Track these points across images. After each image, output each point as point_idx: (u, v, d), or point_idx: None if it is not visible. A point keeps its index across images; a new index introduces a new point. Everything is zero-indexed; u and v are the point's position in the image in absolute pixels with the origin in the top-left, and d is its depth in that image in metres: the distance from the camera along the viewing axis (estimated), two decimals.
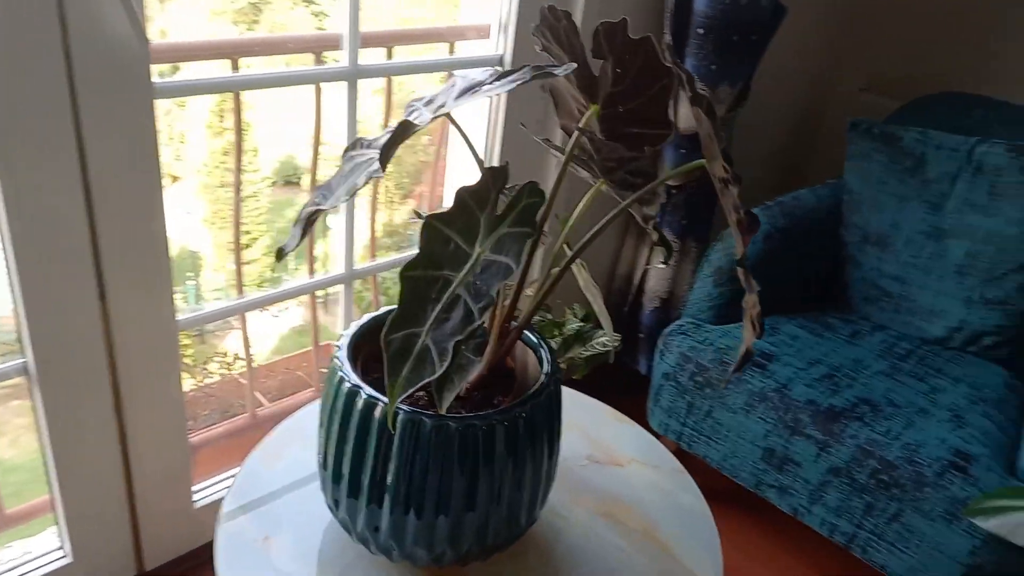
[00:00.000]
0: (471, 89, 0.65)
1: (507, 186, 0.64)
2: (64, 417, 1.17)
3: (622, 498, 0.85)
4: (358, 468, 0.67)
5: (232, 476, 1.49)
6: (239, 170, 1.48)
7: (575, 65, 0.61)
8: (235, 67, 1.31)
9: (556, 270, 0.73)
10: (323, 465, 0.71)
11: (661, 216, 1.90)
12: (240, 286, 1.48)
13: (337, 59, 1.36)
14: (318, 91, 1.48)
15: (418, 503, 0.66)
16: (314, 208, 0.65)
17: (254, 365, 1.81)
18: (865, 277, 1.77)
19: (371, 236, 1.72)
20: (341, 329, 1.56)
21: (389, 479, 0.66)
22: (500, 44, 1.59)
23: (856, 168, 1.77)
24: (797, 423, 1.45)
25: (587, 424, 0.95)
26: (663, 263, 1.63)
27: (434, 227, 0.61)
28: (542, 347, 0.75)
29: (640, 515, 0.83)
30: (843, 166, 1.81)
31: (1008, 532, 1.11)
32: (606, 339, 1.78)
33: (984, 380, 1.55)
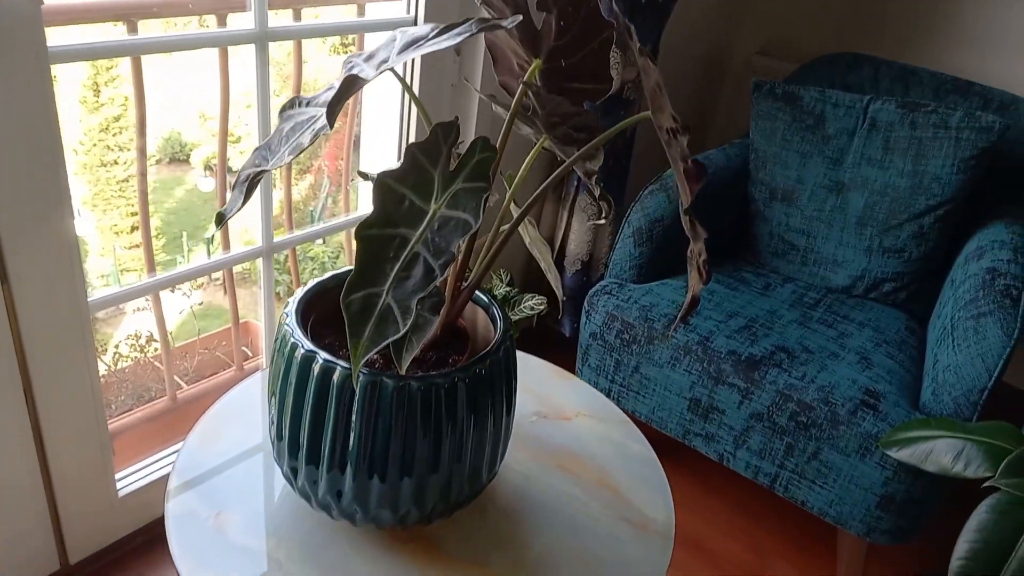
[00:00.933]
0: (414, 43, 0.64)
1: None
2: None
3: (573, 450, 0.87)
4: (317, 435, 0.66)
5: (155, 461, 1.43)
6: (144, 143, 1.39)
7: (520, 17, 0.61)
8: (132, 30, 1.23)
9: (505, 227, 0.72)
10: (278, 435, 0.69)
11: (578, 180, 1.93)
12: (151, 263, 1.41)
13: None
14: (224, 55, 1.41)
15: (382, 467, 0.66)
16: (256, 170, 0.62)
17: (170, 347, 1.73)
18: (773, 232, 1.85)
19: (288, 210, 1.66)
20: (260, 308, 1.51)
21: (351, 444, 0.65)
22: (411, 6, 1.56)
23: (761, 127, 1.84)
24: (720, 373, 1.52)
25: (532, 382, 0.96)
26: (603, 219, 1.66)
27: (387, 185, 0.59)
28: (493, 306, 0.75)
29: (592, 465, 0.85)
30: (743, 126, 1.88)
31: (919, 460, 1.20)
32: (533, 303, 1.80)
33: (886, 324, 1.65)
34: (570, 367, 1.81)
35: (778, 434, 1.47)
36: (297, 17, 1.44)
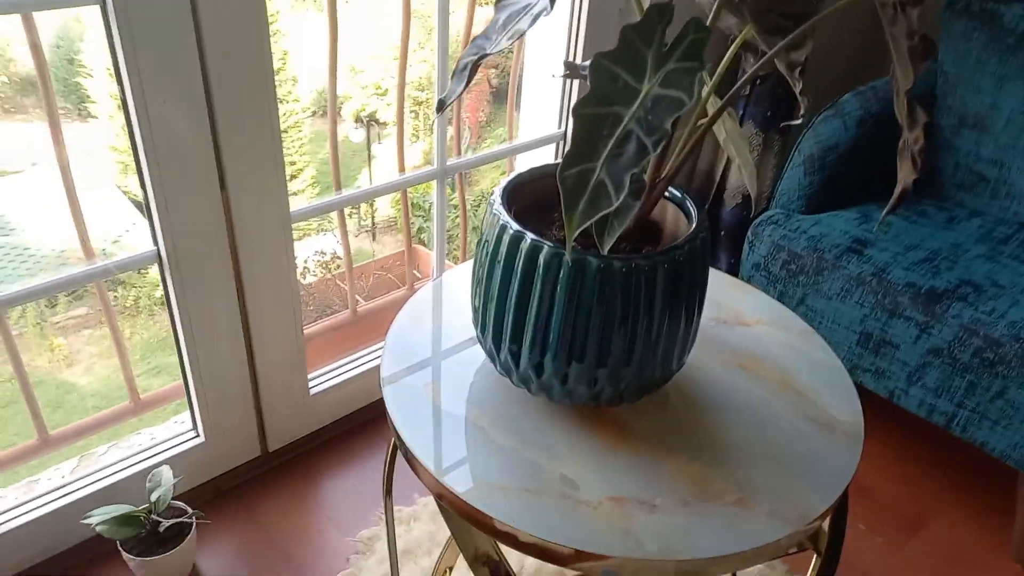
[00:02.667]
0: None
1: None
2: (194, 305, 1.23)
3: (755, 353, 0.87)
4: (521, 314, 0.70)
5: (341, 366, 1.56)
6: (335, 85, 1.48)
7: None
8: None
9: (704, 121, 0.73)
10: (483, 314, 0.74)
11: (744, 107, 1.87)
12: (337, 183, 1.51)
13: None
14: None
15: (581, 347, 0.69)
16: (476, 56, 0.66)
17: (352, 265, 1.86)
18: (960, 162, 1.72)
19: (457, 135, 1.72)
20: (433, 231, 1.59)
21: (553, 322, 0.69)
22: None
23: (952, 49, 1.70)
24: (896, 306, 1.45)
25: (709, 289, 0.96)
26: (801, 117, 1.61)
27: (601, 65, 0.61)
28: (686, 200, 0.76)
29: (774, 367, 0.86)
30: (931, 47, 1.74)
31: None
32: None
33: None
34: None
35: (959, 371, 1.40)
36: None
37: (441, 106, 0.68)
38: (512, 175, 0.79)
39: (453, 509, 0.72)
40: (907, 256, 1.51)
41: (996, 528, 1.52)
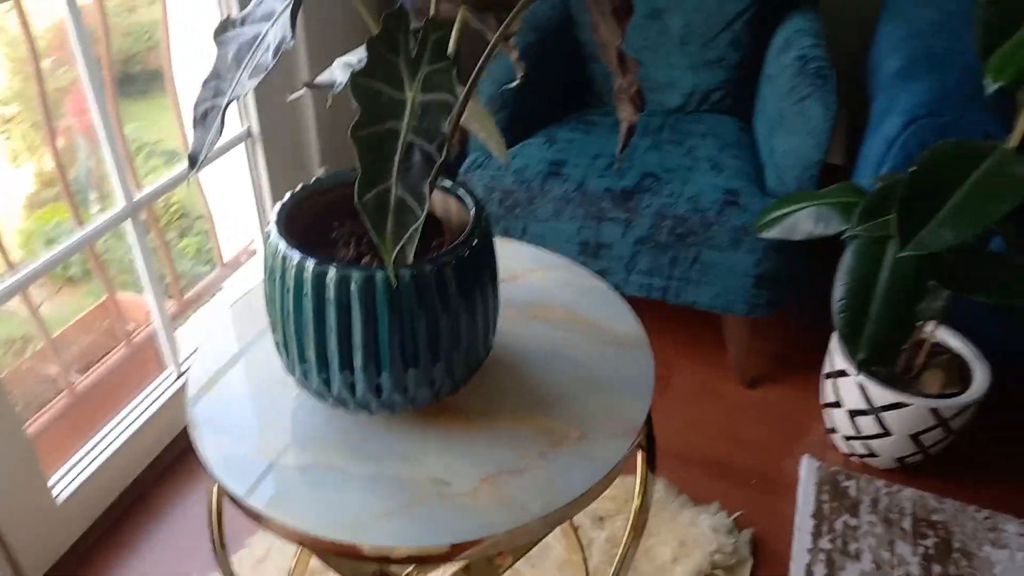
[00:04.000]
0: None
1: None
2: None
3: (539, 301, 0.95)
4: (346, 342, 0.69)
5: (81, 459, 1.38)
6: None
7: None
8: None
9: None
10: (299, 352, 0.72)
11: None
12: (7, 260, 1.28)
13: None
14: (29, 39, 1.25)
15: (414, 354, 0.70)
16: (216, 100, 0.61)
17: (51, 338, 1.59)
18: (606, 71, 1.96)
19: (62, 179, 1.54)
20: (140, 274, 1.43)
21: (382, 340, 0.69)
22: None
23: None
24: (601, 211, 1.64)
25: None
26: (518, 81, 1.68)
27: (359, 84, 0.61)
28: (460, 188, 0.80)
29: (560, 308, 0.94)
30: None
31: (788, 233, 1.40)
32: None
33: (722, 130, 1.84)
34: None
35: (662, 250, 1.64)
36: None
37: (194, 162, 0.62)
38: (282, 202, 0.75)
39: (333, 553, 0.71)
40: (595, 165, 1.70)
41: (720, 364, 1.84)
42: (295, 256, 0.68)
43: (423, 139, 0.61)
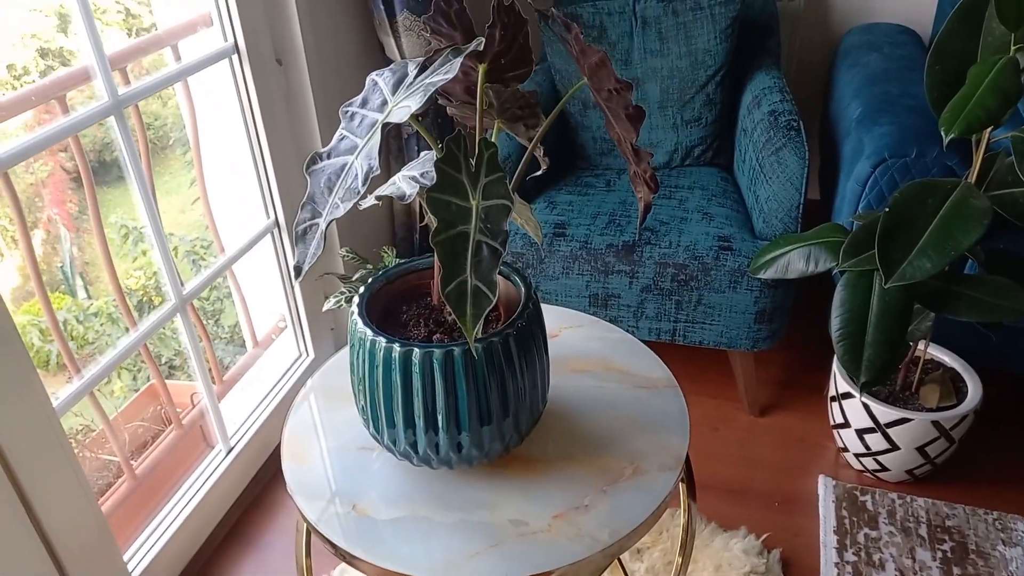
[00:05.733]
0: (400, 84, 0.78)
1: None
2: None
3: (574, 354, 1.08)
4: (431, 408, 0.81)
5: (152, 534, 1.47)
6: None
7: (483, 39, 0.77)
8: None
9: None
10: (372, 416, 0.84)
11: (417, 142, 2.08)
12: (73, 364, 1.40)
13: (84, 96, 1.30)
14: (77, 143, 1.39)
15: (487, 412, 0.83)
16: (309, 223, 0.75)
17: (93, 434, 1.70)
18: (595, 136, 2.12)
19: (35, 272, 1.66)
20: (191, 362, 1.54)
21: (462, 405, 0.81)
22: (228, 31, 1.60)
23: (556, 51, 2.08)
24: (607, 265, 1.78)
25: None
26: (543, 170, 1.83)
27: (433, 198, 0.74)
28: (508, 269, 0.93)
29: (594, 359, 1.07)
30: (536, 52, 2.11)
31: (782, 273, 1.54)
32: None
33: (707, 181, 2.00)
34: None
35: (666, 296, 1.78)
36: (124, 80, 1.44)
37: (299, 272, 0.75)
38: (360, 294, 0.89)
39: None
40: (596, 224, 1.85)
41: (730, 396, 1.97)
42: (382, 340, 0.81)
43: (488, 237, 0.75)
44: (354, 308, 0.86)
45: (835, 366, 1.72)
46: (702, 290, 1.75)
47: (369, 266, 1.98)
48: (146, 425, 1.72)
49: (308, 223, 0.76)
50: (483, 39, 0.77)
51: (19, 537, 1.14)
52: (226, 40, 1.60)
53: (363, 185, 0.73)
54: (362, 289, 0.88)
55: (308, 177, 0.78)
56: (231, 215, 1.85)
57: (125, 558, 1.40)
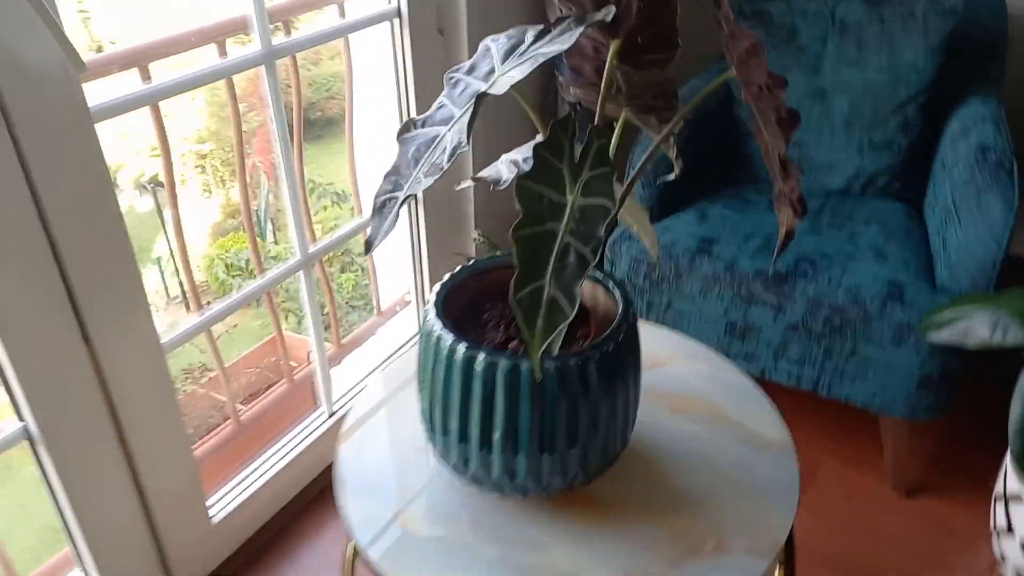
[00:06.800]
0: (513, 52, 0.67)
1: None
2: (75, 469, 1.12)
3: (680, 391, 0.94)
4: (488, 423, 0.71)
5: (238, 483, 1.48)
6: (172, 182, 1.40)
7: (614, 8, 0.65)
8: (146, 76, 1.22)
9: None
10: (430, 416, 0.75)
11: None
12: (197, 300, 1.43)
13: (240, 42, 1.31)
14: (230, 85, 1.41)
15: (551, 440, 0.72)
16: (395, 193, 0.66)
17: (214, 372, 1.75)
18: None
19: (248, 219, 1.67)
20: (307, 320, 1.54)
21: (522, 424, 0.71)
22: None
23: None
24: (751, 294, 1.60)
25: None
26: (676, 174, 1.71)
27: (524, 187, 0.64)
28: (610, 280, 0.81)
29: (701, 402, 0.93)
30: (712, 47, 1.93)
31: (960, 338, 1.30)
32: None
33: (888, 216, 1.75)
34: None
35: (815, 340, 1.57)
36: (287, 31, 1.44)
37: (369, 247, 0.67)
38: (442, 283, 0.80)
39: None
40: (748, 245, 1.66)
41: (873, 465, 1.72)
42: (448, 337, 0.72)
43: (579, 241, 0.63)
44: (431, 295, 0.77)
45: (1008, 459, 1.44)
46: (859, 340, 1.52)
47: (499, 252, 1.91)
48: (265, 374, 1.75)
49: (388, 195, 0.68)
50: (613, 8, 0.65)
51: (108, 466, 1.17)
52: (389, 2, 1.57)
53: (448, 161, 0.64)
54: (446, 277, 0.80)
55: (398, 144, 0.70)
56: (375, 180, 1.84)
57: (208, 503, 1.42)
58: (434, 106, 0.70)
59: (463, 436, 0.73)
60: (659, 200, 1.78)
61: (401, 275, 1.94)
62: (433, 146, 0.66)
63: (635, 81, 0.73)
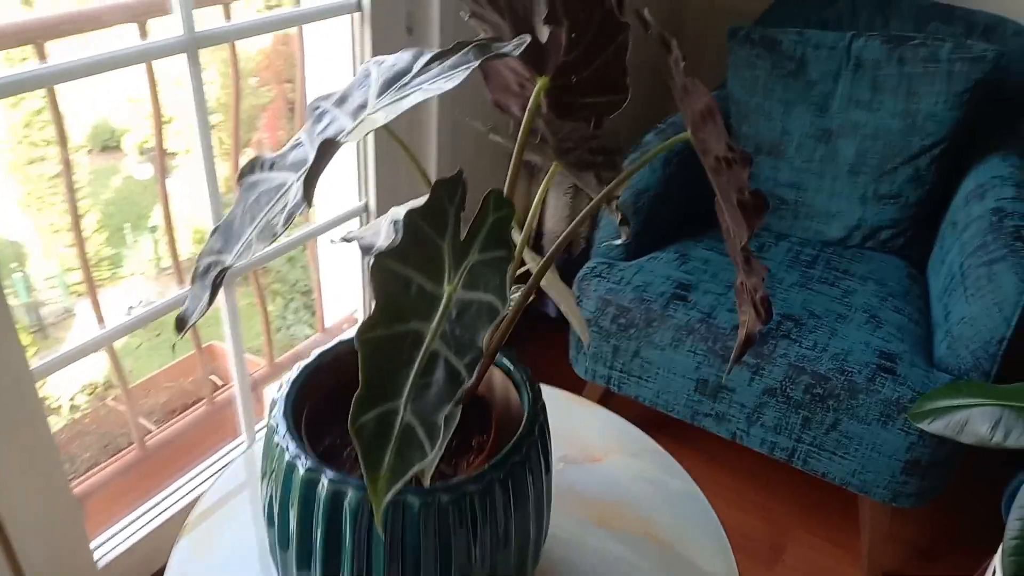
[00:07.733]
0: (396, 82, 0.51)
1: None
2: None
3: (611, 499, 0.78)
4: (322, 560, 0.55)
5: (134, 521, 1.31)
6: (69, 175, 1.23)
7: (528, 39, 0.48)
8: (42, 55, 1.06)
9: (520, 287, 0.61)
10: (272, 547, 0.58)
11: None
12: (100, 317, 1.26)
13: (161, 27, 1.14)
14: (151, 71, 1.24)
15: None
16: (214, 259, 0.50)
17: (129, 386, 1.59)
18: (761, 187, 1.75)
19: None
20: (224, 327, 1.37)
21: (349, 568, 0.54)
22: None
23: (740, 77, 1.73)
24: (727, 351, 1.43)
25: (550, 415, 0.86)
26: (623, 242, 1.55)
27: (386, 268, 0.47)
28: (517, 367, 0.64)
29: (634, 515, 0.76)
30: (714, 75, 1.77)
31: (955, 432, 1.14)
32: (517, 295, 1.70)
33: (887, 274, 1.58)
34: (562, 349, 1.71)
35: (793, 408, 1.41)
36: (227, 15, 1.27)
37: (182, 325, 0.51)
38: (301, 366, 0.63)
39: None
40: (728, 295, 1.50)
41: (847, 545, 1.56)
42: (303, 463, 0.55)
43: (452, 351, 0.46)
44: (285, 380, 0.60)
45: (996, 561, 1.27)
46: (842, 413, 1.36)
47: None
48: (189, 389, 1.58)
49: (214, 258, 0.51)
50: (527, 39, 0.48)
51: None
52: None
53: (283, 225, 0.48)
54: (298, 367, 0.63)
55: (239, 189, 0.53)
56: (326, 187, 1.67)
57: (93, 545, 1.26)
58: (289, 143, 0.53)
59: (304, 566, 0.57)
60: (637, 237, 1.61)
61: (350, 290, 1.78)
62: (275, 198, 0.50)
63: (563, 132, 0.57)
